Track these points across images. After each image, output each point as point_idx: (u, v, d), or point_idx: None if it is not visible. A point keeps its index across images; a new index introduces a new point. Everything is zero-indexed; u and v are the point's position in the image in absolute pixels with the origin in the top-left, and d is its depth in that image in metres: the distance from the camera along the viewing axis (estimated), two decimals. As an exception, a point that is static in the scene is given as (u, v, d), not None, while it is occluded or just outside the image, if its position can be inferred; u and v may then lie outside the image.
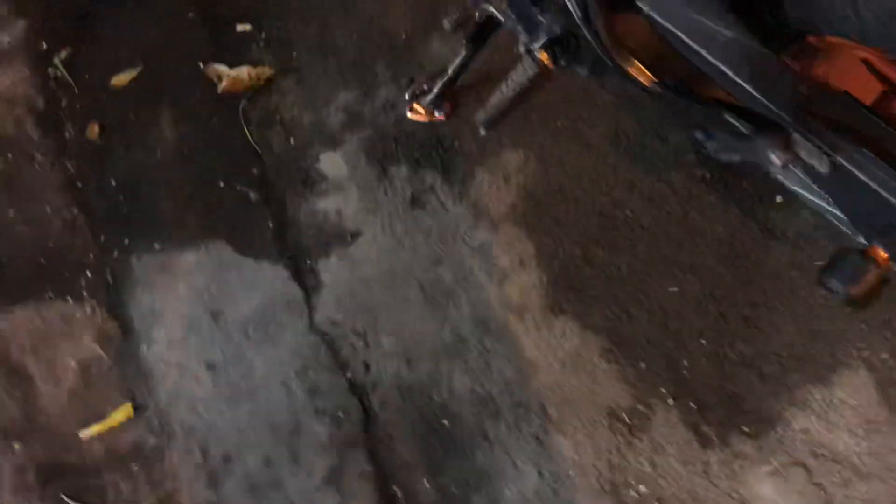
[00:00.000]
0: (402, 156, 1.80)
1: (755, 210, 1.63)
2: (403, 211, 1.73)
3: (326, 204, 1.77)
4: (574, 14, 0.88)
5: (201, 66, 1.95)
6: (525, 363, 1.55)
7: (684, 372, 1.50)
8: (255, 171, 1.83)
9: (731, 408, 1.46)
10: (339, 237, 1.73)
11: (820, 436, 1.42)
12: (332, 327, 1.64)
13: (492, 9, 1.39)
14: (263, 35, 2.00)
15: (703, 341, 1.52)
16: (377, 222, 1.73)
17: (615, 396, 1.49)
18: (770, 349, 1.49)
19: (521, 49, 1.35)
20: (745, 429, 1.44)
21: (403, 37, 1.94)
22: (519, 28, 1.32)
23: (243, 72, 1.92)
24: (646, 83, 0.96)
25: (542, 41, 1.28)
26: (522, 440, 1.52)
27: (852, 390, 1.44)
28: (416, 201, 1.75)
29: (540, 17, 1.28)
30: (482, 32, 1.65)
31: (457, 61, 1.75)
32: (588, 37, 0.90)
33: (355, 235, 1.73)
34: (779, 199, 1.63)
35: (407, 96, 1.84)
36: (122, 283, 1.76)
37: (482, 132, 1.53)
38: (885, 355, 1.44)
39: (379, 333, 1.61)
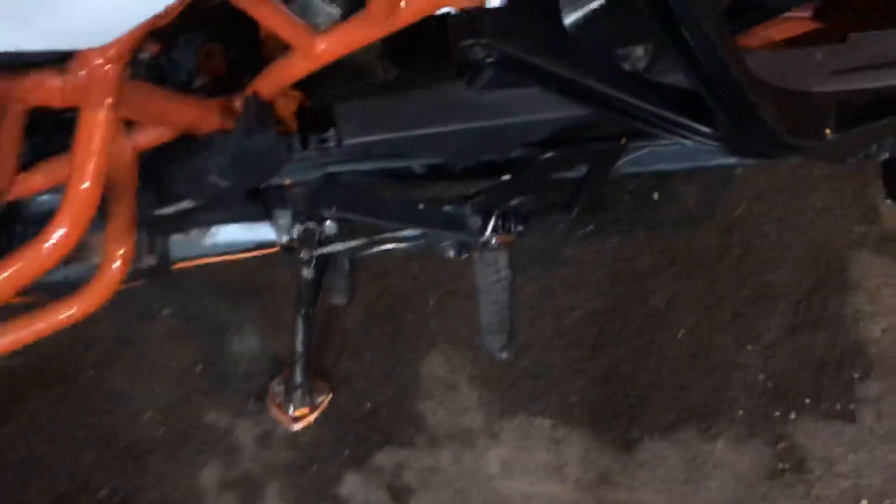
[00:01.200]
0: (336, 469, 1.41)
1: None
2: (401, 513, 1.36)
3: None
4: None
5: None
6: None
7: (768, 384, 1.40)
8: None
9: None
10: None
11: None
12: None
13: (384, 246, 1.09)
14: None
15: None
16: (391, 553, 1.34)
17: (752, 462, 1.35)
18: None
19: (452, 254, 1.10)
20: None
21: (199, 369, 1.51)
22: (447, 241, 1.07)
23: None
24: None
25: (487, 227, 1.04)
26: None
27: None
28: (398, 493, 1.38)
29: (459, 210, 1.04)
30: (314, 287, 1.35)
31: (299, 338, 1.41)
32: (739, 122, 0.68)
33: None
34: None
35: (275, 414, 1.45)
36: None
37: (504, 357, 1.23)
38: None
39: None
